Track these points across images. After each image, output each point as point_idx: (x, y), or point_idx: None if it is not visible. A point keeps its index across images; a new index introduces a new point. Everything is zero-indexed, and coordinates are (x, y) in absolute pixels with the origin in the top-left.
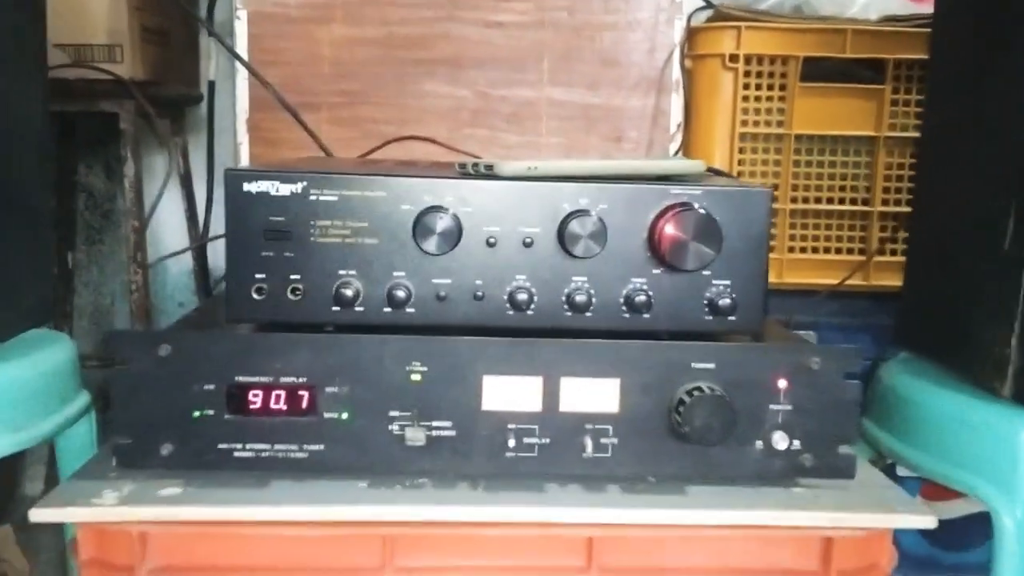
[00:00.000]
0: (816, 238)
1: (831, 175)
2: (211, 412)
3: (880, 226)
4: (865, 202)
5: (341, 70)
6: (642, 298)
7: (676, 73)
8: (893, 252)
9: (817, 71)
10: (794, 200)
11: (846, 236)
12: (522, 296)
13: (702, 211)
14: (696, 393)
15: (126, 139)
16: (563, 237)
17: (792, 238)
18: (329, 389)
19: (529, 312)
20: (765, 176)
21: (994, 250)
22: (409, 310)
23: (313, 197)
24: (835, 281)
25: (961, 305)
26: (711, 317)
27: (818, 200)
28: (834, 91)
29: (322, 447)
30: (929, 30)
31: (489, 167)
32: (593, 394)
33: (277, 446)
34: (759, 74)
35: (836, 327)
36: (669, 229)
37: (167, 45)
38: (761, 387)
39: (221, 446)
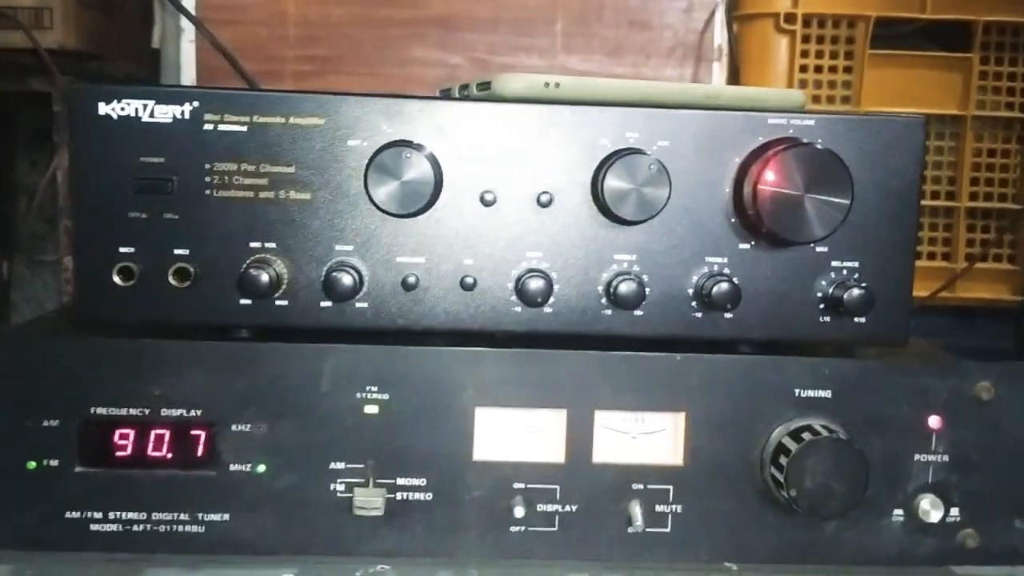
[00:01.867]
0: None
1: None
2: (54, 463)
3: (967, 225)
4: (949, 196)
5: (309, 32)
6: (723, 287)
7: (719, 37)
8: (984, 258)
9: (886, 37)
10: None
11: (926, 237)
12: (536, 283)
13: (820, 147)
14: (805, 436)
15: (59, 123)
16: (600, 191)
17: None
18: (237, 427)
19: (547, 309)
20: None
21: None
22: (360, 305)
23: (209, 126)
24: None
25: None
26: (829, 318)
27: None
28: (910, 60)
29: (226, 517)
30: None
31: (485, 85)
32: (645, 437)
33: (157, 516)
34: (820, 38)
35: None
36: (770, 176)
37: (110, 13)
38: (904, 428)
39: (70, 515)
